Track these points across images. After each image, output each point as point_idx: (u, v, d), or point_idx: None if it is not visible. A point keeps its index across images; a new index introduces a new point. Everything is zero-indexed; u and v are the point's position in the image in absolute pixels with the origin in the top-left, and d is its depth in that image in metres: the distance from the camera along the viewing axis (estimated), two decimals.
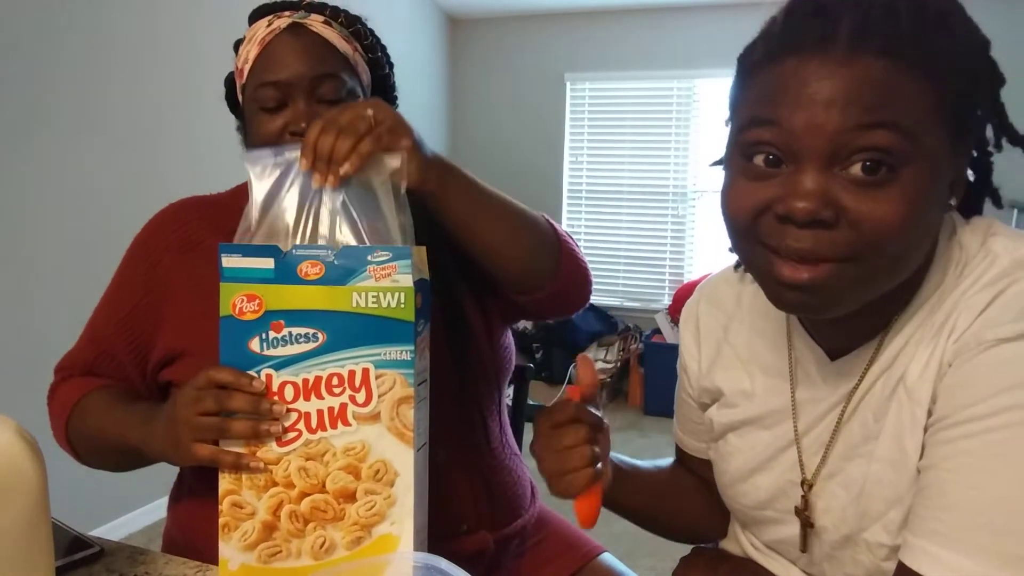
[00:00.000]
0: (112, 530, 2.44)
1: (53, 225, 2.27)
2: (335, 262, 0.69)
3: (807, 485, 0.70)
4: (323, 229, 0.76)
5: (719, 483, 0.81)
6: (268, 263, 0.70)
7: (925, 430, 0.61)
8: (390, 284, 0.69)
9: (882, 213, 0.55)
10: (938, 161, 0.57)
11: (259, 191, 0.77)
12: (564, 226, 4.47)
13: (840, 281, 0.58)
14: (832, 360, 0.69)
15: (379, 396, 0.70)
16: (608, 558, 1.05)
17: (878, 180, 0.55)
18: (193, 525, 0.93)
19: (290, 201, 0.77)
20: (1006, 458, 0.54)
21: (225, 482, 0.72)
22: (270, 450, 0.71)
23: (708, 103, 4.22)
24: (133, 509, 2.56)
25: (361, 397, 0.70)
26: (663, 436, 3.57)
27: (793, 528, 0.72)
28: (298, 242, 0.75)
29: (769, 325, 0.75)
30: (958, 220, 0.66)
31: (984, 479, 0.55)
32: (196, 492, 0.94)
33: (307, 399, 0.71)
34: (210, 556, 0.77)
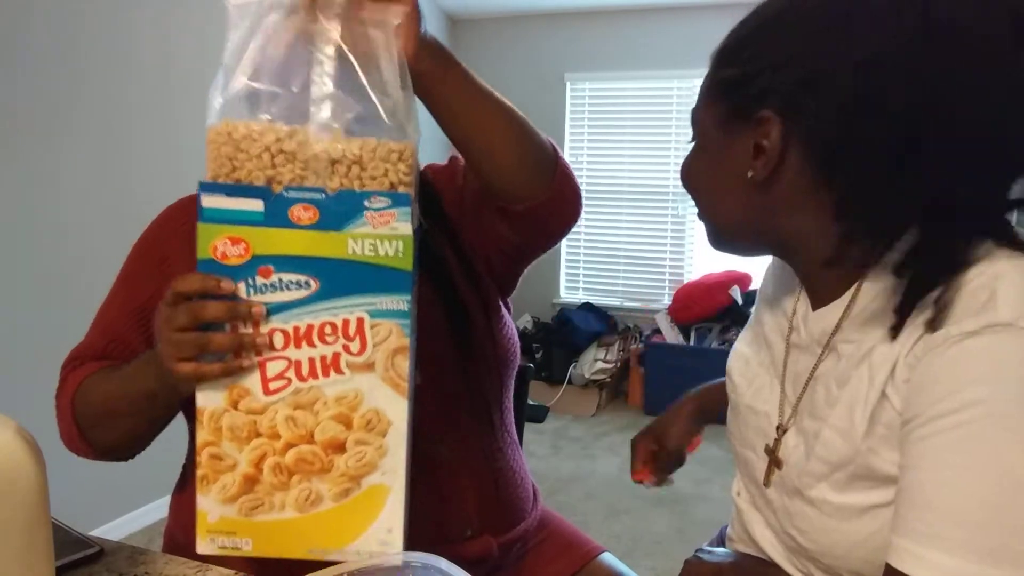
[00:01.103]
0: (112, 530, 2.44)
1: (53, 226, 2.27)
2: (331, 206, 0.66)
3: (781, 430, 0.75)
4: (315, 76, 0.68)
5: (728, 423, 0.86)
6: (256, 204, 0.66)
7: (875, 409, 0.63)
8: (388, 232, 0.66)
9: (688, 167, 0.74)
10: (706, 137, 0.71)
11: (241, 28, 0.68)
12: None
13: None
14: (814, 309, 0.72)
15: (374, 345, 0.68)
16: (608, 558, 1.05)
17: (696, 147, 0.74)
18: (195, 523, 0.93)
19: (275, 41, 0.69)
20: (975, 453, 0.55)
21: (203, 432, 0.69)
22: (255, 399, 0.68)
23: None
24: (133, 509, 2.56)
25: (355, 346, 0.68)
26: None
27: (758, 471, 0.77)
28: (280, 91, 0.68)
29: (786, 268, 0.79)
30: (1004, 265, 0.61)
31: (957, 475, 0.55)
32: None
33: (298, 347, 0.68)
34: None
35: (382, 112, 0.67)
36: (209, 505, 0.70)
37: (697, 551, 0.89)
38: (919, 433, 0.58)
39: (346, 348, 0.68)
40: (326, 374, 0.68)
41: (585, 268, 4.58)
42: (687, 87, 4.25)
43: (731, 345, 0.92)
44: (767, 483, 0.75)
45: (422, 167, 1.01)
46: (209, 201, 0.66)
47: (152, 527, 2.57)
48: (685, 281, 4.23)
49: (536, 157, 0.85)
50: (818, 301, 0.71)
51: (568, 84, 4.44)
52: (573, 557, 1.04)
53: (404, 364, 0.68)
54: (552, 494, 2.92)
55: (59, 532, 0.81)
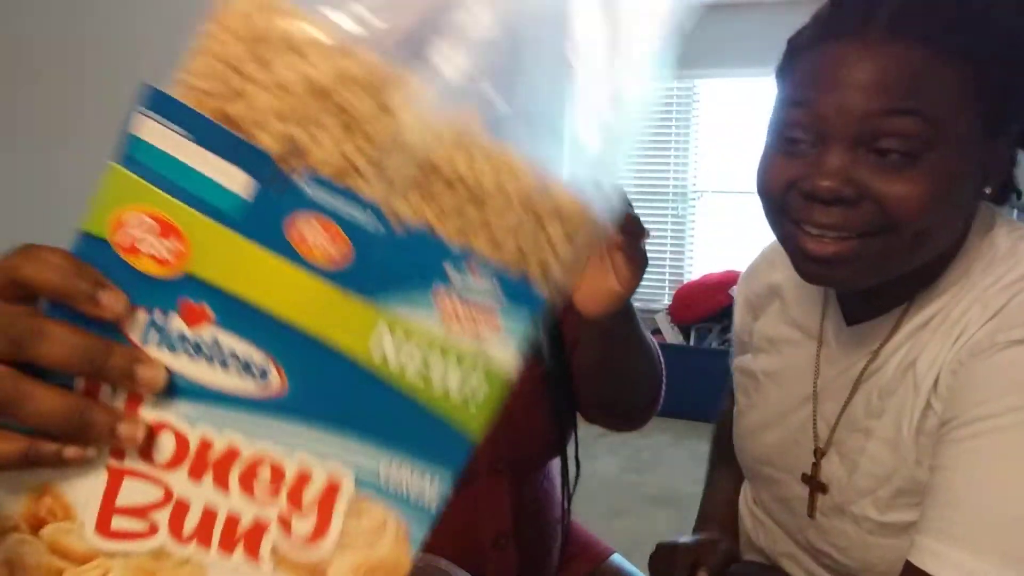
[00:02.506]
0: None
1: (55, 227, 2.27)
2: (380, 248, 0.33)
3: (819, 452, 0.71)
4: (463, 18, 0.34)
5: (734, 435, 0.83)
6: (239, 180, 0.33)
7: (920, 420, 0.62)
8: (470, 346, 0.34)
9: (904, 192, 0.57)
10: (967, 146, 0.58)
11: None
12: None
13: (863, 255, 0.60)
14: (848, 325, 0.70)
15: (340, 540, 0.35)
16: (618, 559, 1.05)
17: (901, 163, 0.57)
18: None
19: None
20: (1011, 459, 0.54)
21: None
22: (78, 534, 0.33)
23: (708, 103, 4.21)
24: None
25: (303, 526, 0.34)
26: (663, 436, 3.57)
27: (786, 489, 0.74)
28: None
29: (808, 285, 0.76)
30: (998, 217, 0.66)
31: (991, 478, 0.55)
32: None
33: (195, 476, 0.34)
34: None
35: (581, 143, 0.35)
36: None
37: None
38: (956, 435, 0.58)
39: (283, 521, 0.34)
40: (226, 547, 0.34)
41: None
42: (687, 87, 4.24)
43: (731, 345, 0.91)
44: (812, 513, 0.71)
45: None
46: (148, 129, 0.33)
47: None
48: (685, 281, 4.22)
49: (654, 395, 0.85)
50: (857, 316, 0.69)
51: None
52: (587, 559, 1.04)
53: None
54: None
55: None
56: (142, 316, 0.33)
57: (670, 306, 4.08)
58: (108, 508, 0.34)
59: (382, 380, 0.34)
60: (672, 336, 3.98)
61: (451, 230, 0.34)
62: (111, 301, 0.32)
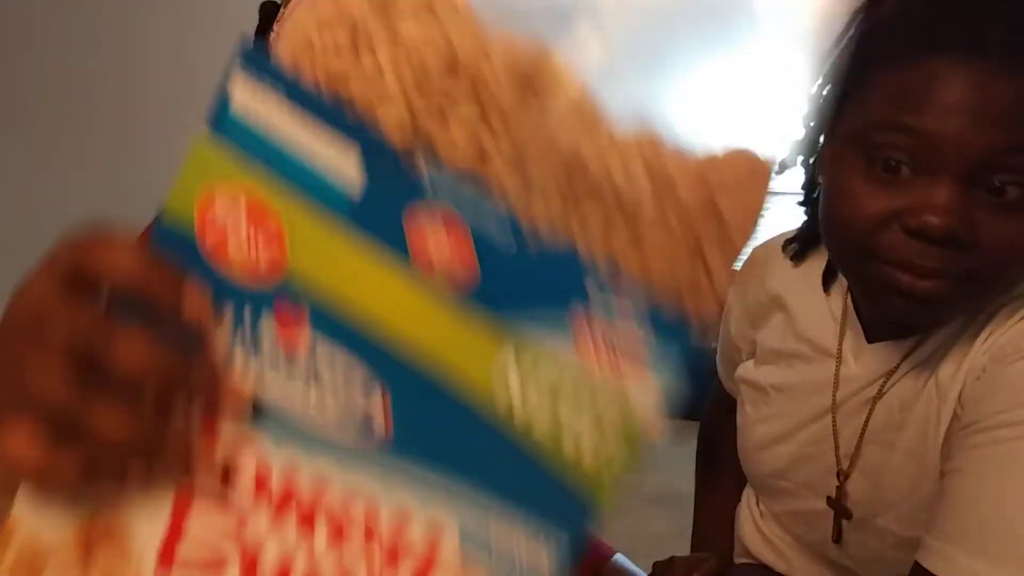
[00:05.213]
0: None
1: (54, 226, 2.27)
2: (515, 258, 0.28)
3: (843, 476, 0.68)
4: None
5: (740, 448, 0.80)
6: (348, 160, 0.27)
7: (949, 429, 0.60)
8: (609, 384, 0.29)
9: (1013, 237, 0.52)
10: None
11: None
12: None
13: (953, 296, 0.55)
14: (869, 343, 0.68)
15: None
16: (621, 559, 1.05)
17: (1013, 203, 0.52)
18: None
19: None
20: None
21: None
22: (136, 566, 0.28)
23: None
24: None
25: None
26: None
27: (803, 502, 0.72)
28: None
29: (822, 300, 0.73)
30: None
31: (1009, 485, 0.54)
32: None
33: (277, 517, 0.28)
34: None
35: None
36: None
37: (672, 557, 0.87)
38: (975, 440, 0.57)
39: (374, 570, 0.29)
40: None
41: None
42: None
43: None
44: (837, 538, 0.69)
45: None
46: (244, 94, 0.27)
47: None
48: None
49: None
50: (879, 334, 0.67)
51: None
52: (591, 559, 1.04)
53: None
54: None
55: None
56: (228, 320, 0.28)
57: None
58: (172, 536, 0.29)
59: (494, 431, 0.28)
60: None
61: (596, 243, 0.28)
62: (194, 301, 0.27)
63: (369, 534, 0.28)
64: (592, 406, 0.28)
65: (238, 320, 0.28)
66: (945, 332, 0.63)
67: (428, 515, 0.28)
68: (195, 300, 0.27)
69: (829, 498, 0.70)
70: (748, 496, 0.84)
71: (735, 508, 0.88)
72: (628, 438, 0.28)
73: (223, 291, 0.27)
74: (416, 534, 0.28)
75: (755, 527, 0.81)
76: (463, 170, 0.27)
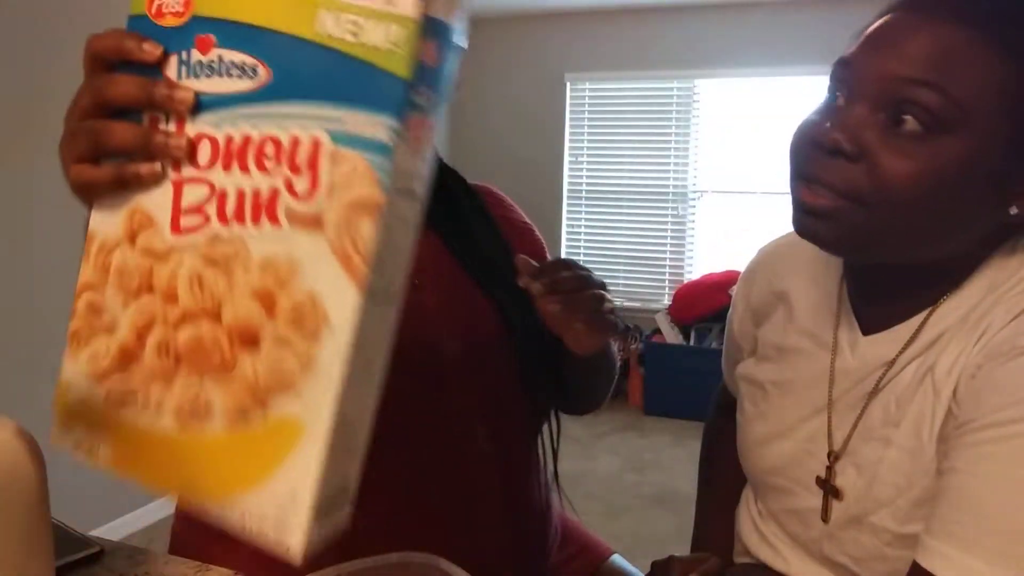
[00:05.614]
0: (112, 530, 2.44)
1: (54, 226, 2.27)
2: None
3: (833, 456, 0.70)
4: None
5: (739, 445, 0.82)
6: None
7: (943, 425, 0.61)
8: (382, 7, 0.42)
9: (899, 165, 0.56)
10: (987, 146, 0.56)
11: None
12: (564, 226, 4.50)
13: (844, 220, 0.59)
14: (864, 335, 0.69)
15: (329, 189, 0.43)
16: (618, 559, 1.05)
17: (910, 135, 0.56)
18: (202, 523, 0.92)
19: None
20: None
21: (87, 270, 0.52)
22: (159, 235, 0.48)
23: (708, 103, 4.21)
24: (133, 509, 2.56)
25: (302, 184, 0.44)
26: (663, 436, 3.57)
27: (800, 500, 0.73)
28: None
29: (820, 291, 0.75)
30: None
31: (1006, 484, 0.54)
32: None
33: (226, 168, 0.46)
34: (219, 555, 0.76)
35: None
36: (74, 375, 0.51)
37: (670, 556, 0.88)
38: (972, 438, 0.57)
39: (289, 185, 0.44)
40: (256, 220, 0.45)
41: None
42: (687, 87, 4.24)
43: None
44: (826, 518, 0.70)
45: (491, 187, 0.97)
46: None
47: (152, 527, 2.57)
48: (685, 281, 4.22)
49: (605, 397, 0.99)
50: (873, 325, 0.68)
51: (568, 84, 4.42)
52: (589, 559, 1.03)
53: (368, 230, 0.42)
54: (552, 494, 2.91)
55: (59, 532, 0.81)
56: (173, 59, 0.47)
57: (670, 306, 4.08)
58: (176, 209, 0.47)
59: (328, 49, 0.43)
60: (672, 336, 3.98)
61: None
62: (151, 48, 0.47)
63: (279, 160, 0.45)
64: (374, 16, 0.42)
65: (179, 55, 0.47)
66: (941, 325, 0.63)
67: (309, 133, 0.44)
68: (150, 47, 0.47)
69: (819, 477, 0.71)
70: (748, 496, 0.85)
71: (735, 508, 0.88)
72: (401, 21, 0.42)
73: (165, 38, 0.47)
74: (305, 148, 0.44)
75: (754, 527, 0.81)
76: None
